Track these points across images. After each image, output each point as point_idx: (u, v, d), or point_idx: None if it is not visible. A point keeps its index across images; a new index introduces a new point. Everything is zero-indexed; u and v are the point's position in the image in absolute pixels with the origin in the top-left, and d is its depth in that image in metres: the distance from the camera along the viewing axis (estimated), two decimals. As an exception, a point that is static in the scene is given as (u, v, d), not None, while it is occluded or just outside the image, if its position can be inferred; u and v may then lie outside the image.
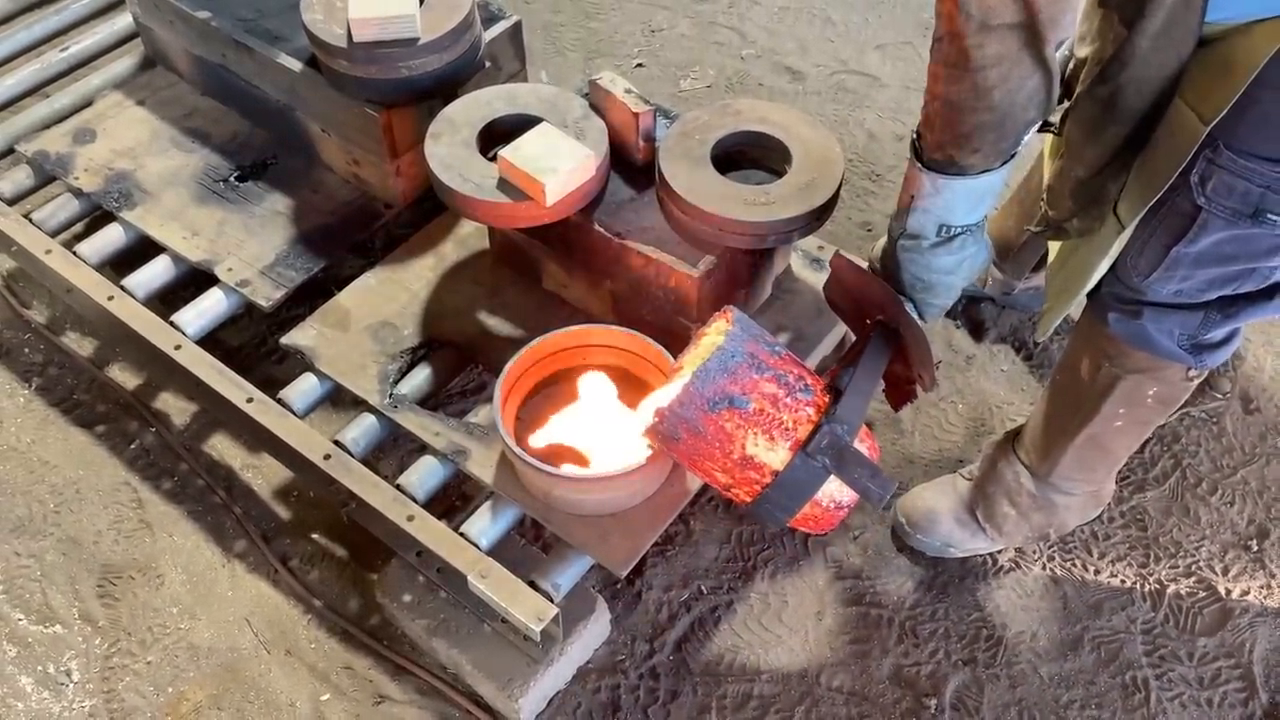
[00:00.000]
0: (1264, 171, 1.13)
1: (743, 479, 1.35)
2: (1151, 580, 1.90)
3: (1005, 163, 1.23)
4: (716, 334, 1.38)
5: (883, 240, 1.42)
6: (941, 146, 1.21)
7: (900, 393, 1.49)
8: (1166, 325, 1.37)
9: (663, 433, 1.34)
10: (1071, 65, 1.31)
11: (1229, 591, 1.89)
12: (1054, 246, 1.50)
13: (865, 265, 1.47)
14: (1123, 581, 1.90)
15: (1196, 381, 1.48)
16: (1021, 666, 1.80)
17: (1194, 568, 1.92)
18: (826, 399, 1.35)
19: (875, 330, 1.41)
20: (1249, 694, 1.78)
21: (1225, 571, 1.92)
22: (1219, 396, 2.15)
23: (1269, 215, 1.16)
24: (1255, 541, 1.95)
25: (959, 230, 1.29)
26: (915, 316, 1.39)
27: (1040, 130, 1.36)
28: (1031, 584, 1.90)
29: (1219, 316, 1.35)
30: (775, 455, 1.32)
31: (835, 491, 1.36)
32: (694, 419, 1.32)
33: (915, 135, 1.26)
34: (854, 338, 1.59)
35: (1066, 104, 1.29)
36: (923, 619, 1.85)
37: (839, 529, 1.94)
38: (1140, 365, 1.45)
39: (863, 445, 1.38)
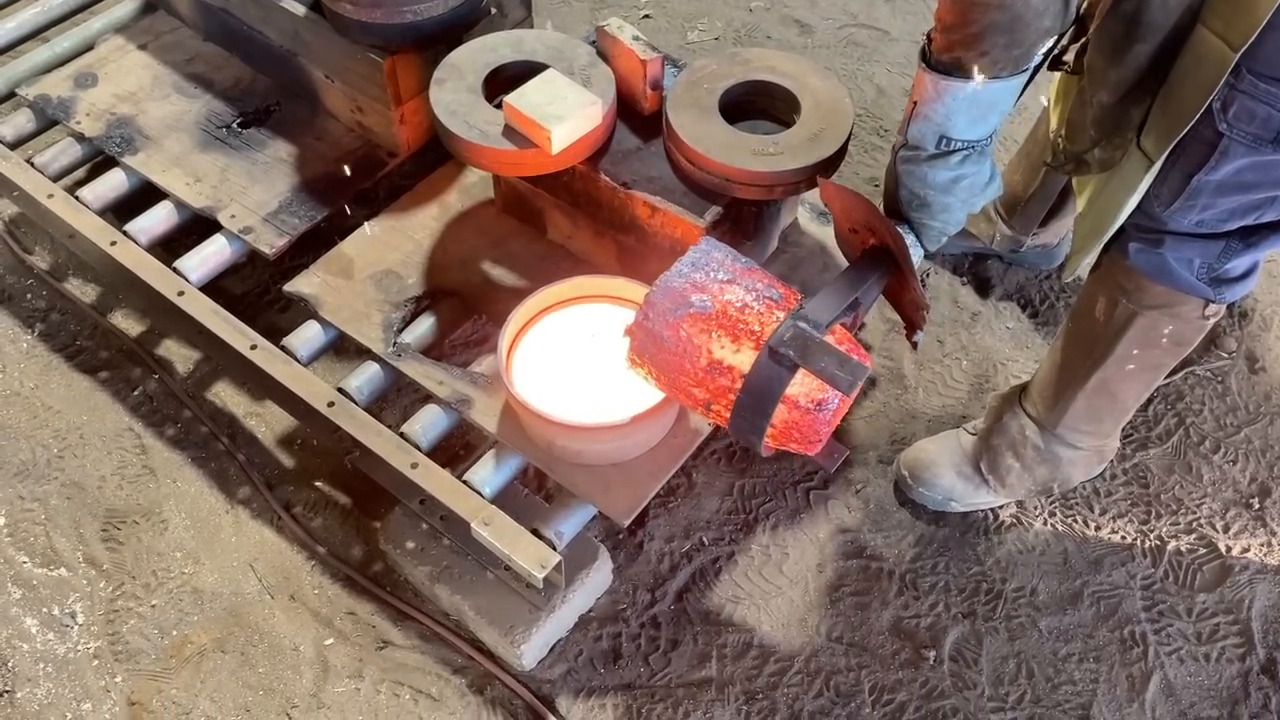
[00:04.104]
0: None
1: (716, 389, 1.33)
2: (1152, 537, 1.91)
3: (1015, 75, 1.20)
4: None
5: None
6: (950, 47, 1.19)
7: (910, 322, 1.49)
8: (1187, 255, 1.36)
9: (634, 350, 1.35)
10: (1085, 4, 1.29)
11: (1229, 549, 1.90)
12: (1080, 191, 1.48)
13: None
14: (1123, 538, 1.91)
15: (1212, 321, 1.48)
16: (1020, 620, 1.81)
17: (1195, 525, 1.93)
18: (797, 304, 1.33)
19: (867, 252, 1.40)
20: (1247, 649, 1.79)
21: (1226, 529, 1.92)
22: (1224, 355, 2.14)
23: None
24: (1257, 500, 1.96)
25: (959, 145, 1.27)
26: (914, 241, 1.38)
27: (1054, 69, 1.34)
28: (1032, 539, 1.90)
29: (1240, 245, 1.34)
30: (742, 357, 1.31)
31: (813, 389, 1.31)
32: (658, 329, 1.32)
33: (926, 38, 1.24)
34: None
35: (1080, 41, 1.28)
36: (923, 572, 1.86)
37: (841, 483, 1.95)
38: (1158, 300, 1.45)
39: (842, 347, 1.33)
